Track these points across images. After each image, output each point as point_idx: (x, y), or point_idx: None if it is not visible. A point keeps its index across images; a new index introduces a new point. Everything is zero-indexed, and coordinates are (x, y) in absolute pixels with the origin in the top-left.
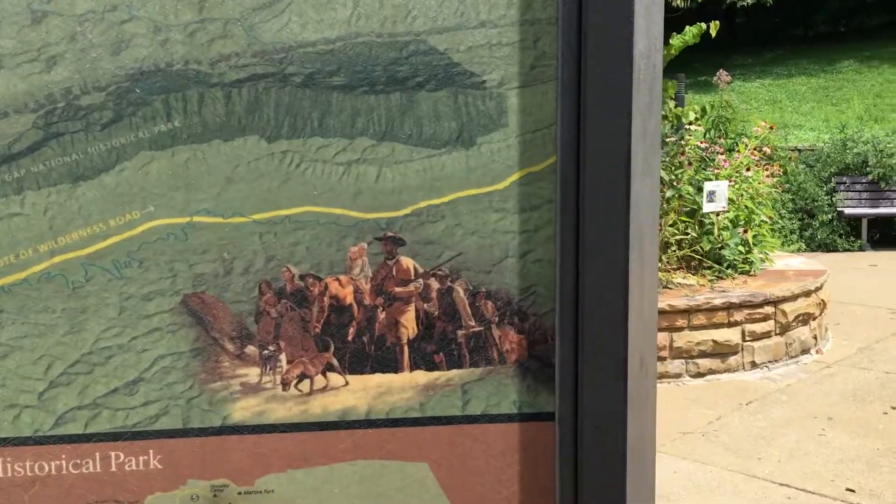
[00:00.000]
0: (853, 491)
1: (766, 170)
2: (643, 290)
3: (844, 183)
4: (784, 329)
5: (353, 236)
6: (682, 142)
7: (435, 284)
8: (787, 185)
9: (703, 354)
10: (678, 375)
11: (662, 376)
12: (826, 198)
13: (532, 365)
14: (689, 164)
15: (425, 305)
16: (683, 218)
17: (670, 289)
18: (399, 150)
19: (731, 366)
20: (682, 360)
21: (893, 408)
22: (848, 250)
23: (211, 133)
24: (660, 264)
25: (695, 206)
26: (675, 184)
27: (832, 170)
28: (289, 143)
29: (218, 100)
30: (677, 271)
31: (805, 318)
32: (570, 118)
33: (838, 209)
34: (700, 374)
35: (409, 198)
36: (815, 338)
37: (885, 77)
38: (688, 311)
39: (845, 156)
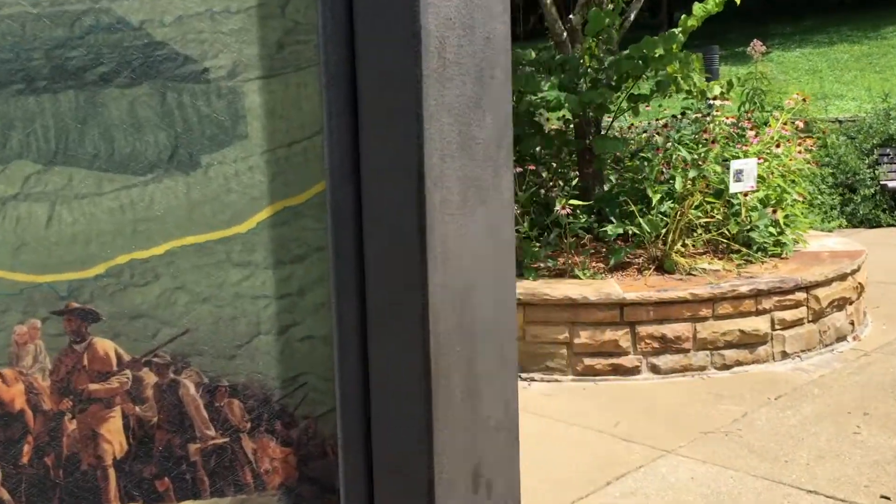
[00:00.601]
0: (888, 498)
1: (801, 144)
2: (473, 376)
3: (888, 155)
4: (817, 316)
5: (19, 310)
6: (708, 118)
7: (150, 377)
8: (827, 159)
9: (730, 345)
10: (703, 368)
11: (686, 369)
12: (868, 171)
13: (306, 490)
14: (714, 141)
15: (137, 409)
16: (710, 199)
17: (694, 275)
18: (80, 178)
19: (759, 356)
20: (707, 352)
21: None
22: (892, 226)
23: None
24: (683, 249)
25: (722, 187)
26: (699, 163)
27: (875, 141)
28: None
29: None
30: (703, 256)
31: (840, 304)
32: (342, 124)
33: (881, 182)
34: (726, 366)
35: (102, 250)
36: (852, 323)
37: None
38: (712, 300)
39: (889, 126)
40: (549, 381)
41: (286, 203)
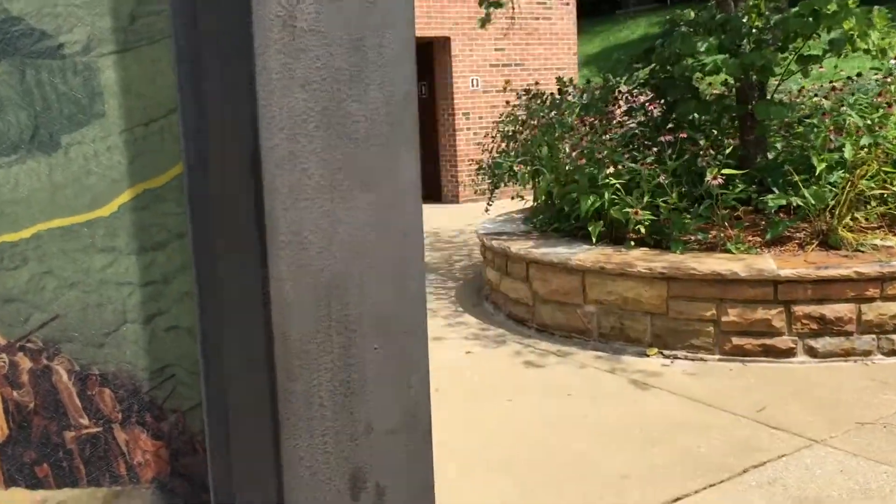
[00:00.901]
0: None
1: None
2: (350, 376)
3: None
4: None
5: None
6: (889, 79)
7: (25, 362)
8: None
9: None
10: (868, 353)
11: (848, 354)
12: None
13: (178, 486)
14: (893, 104)
15: (15, 393)
16: (887, 168)
17: (862, 252)
18: None
19: None
20: (873, 336)
21: None
22: None
23: None
24: (853, 223)
25: None
26: (874, 129)
27: None
28: None
29: None
30: (876, 231)
31: None
32: (195, 101)
33: None
34: (895, 352)
35: None
36: None
37: None
38: (880, 279)
39: None
40: (693, 360)
41: (146, 186)
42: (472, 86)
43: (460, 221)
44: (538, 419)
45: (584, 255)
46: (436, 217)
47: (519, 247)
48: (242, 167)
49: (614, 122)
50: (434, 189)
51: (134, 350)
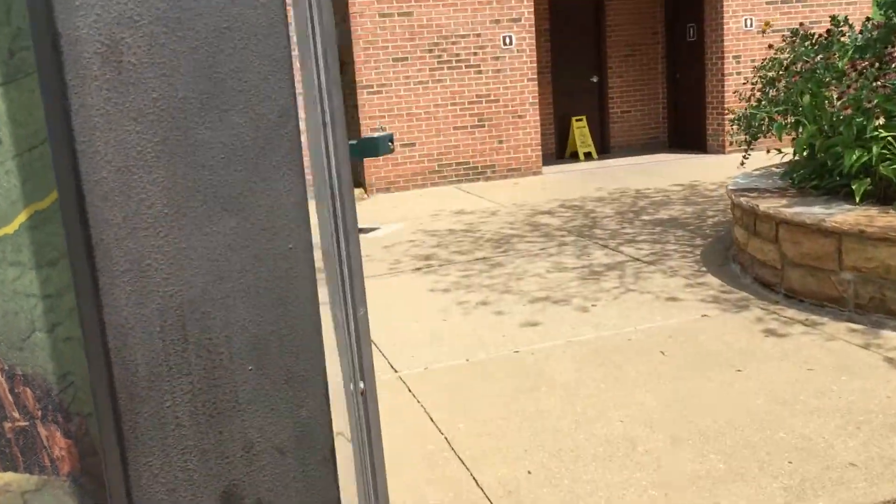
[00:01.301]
0: None
1: None
2: (216, 397)
3: None
4: None
5: None
6: None
7: None
8: None
9: None
10: None
11: None
12: None
13: (87, 482)
14: None
15: None
16: None
17: None
18: None
19: None
20: None
21: None
22: None
23: None
24: None
25: None
26: None
27: None
28: None
29: None
30: None
31: None
32: (51, 133)
33: None
34: None
35: None
36: None
37: None
38: None
39: None
40: None
41: (36, 207)
42: (746, 26)
43: (721, 174)
44: (767, 392)
45: (841, 216)
46: (695, 169)
47: (768, 205)
48: (72, 200)
49: (893, 66)
50: (698, 139)
51: (43, 356)
